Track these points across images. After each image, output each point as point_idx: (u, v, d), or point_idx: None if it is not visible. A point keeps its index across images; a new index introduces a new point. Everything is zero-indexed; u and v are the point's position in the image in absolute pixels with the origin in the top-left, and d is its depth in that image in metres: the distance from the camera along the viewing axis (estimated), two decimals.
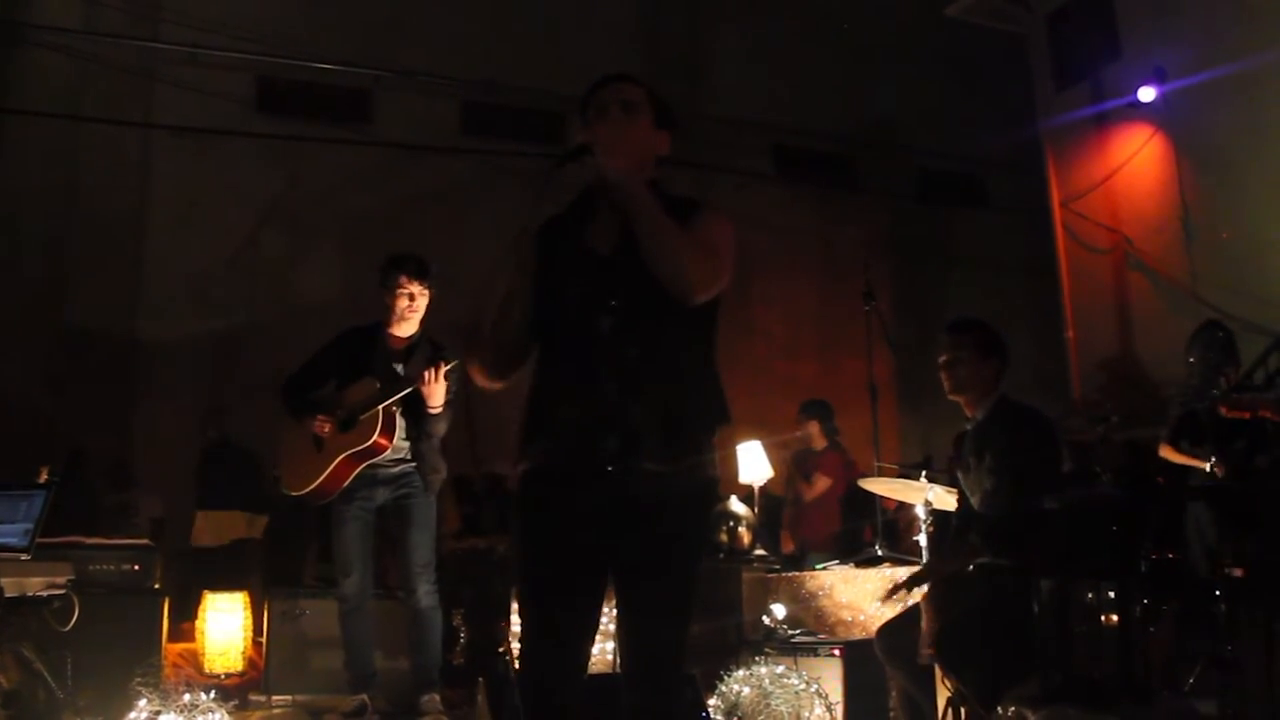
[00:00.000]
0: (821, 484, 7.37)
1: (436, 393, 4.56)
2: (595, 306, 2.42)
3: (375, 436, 4.61)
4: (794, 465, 7.60)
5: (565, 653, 2.41)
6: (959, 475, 4.14)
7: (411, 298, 4.78)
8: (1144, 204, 10.82)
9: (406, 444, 4.78)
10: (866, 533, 7.22)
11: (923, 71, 13.03)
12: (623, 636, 2.49)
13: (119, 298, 10.20)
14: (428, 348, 4.86)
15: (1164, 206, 10.52)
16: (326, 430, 4.70)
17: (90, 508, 7.78)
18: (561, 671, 2.40)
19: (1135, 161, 10.84)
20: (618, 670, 2.53)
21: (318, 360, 4.94)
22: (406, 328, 4.87)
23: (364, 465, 4.70)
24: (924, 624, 3.82)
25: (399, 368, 4.81)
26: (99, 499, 8.30)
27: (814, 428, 7.47)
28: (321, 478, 4.69)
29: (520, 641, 2.48)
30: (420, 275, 4.79)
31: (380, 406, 4.61)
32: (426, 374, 4.50)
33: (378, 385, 4.68)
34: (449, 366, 4.51)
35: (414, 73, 11.32)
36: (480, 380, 2.52)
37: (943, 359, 4.03)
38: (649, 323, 2.40)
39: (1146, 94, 10.39)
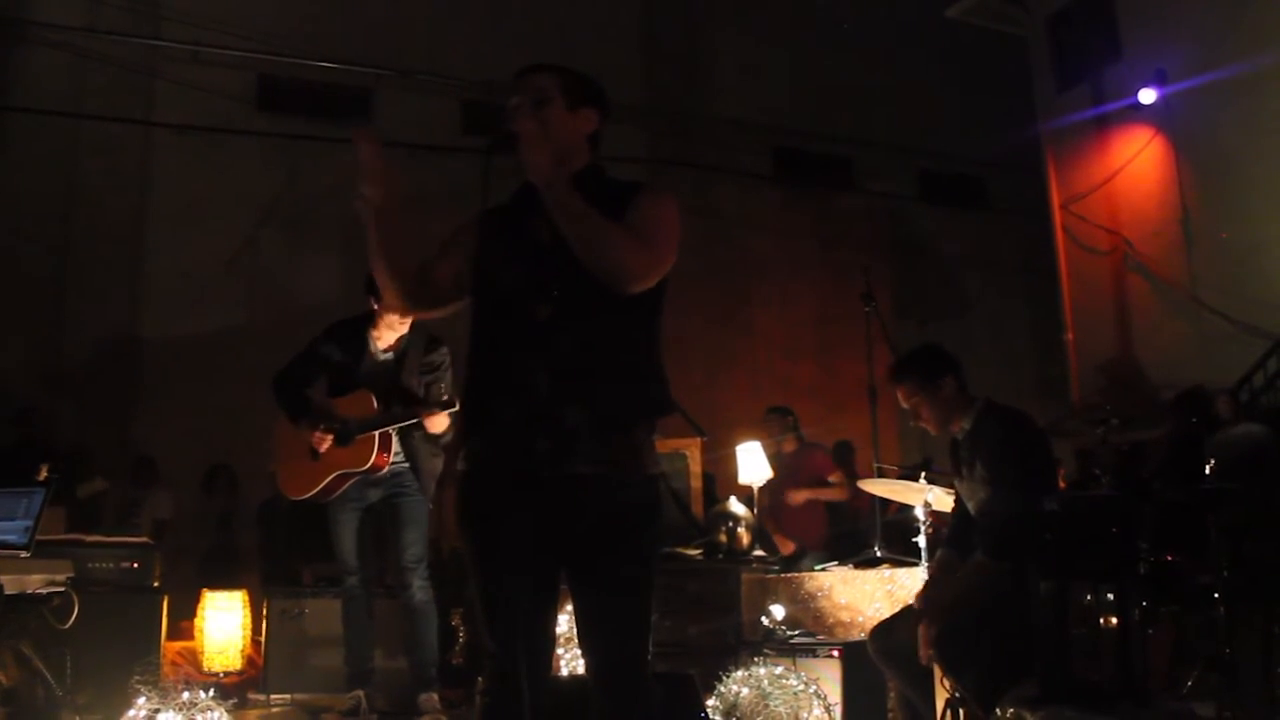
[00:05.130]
0: (840, 479, 7.33)
1: (439, 423, 4.57)
2: (532, 294, 2.37)
3: (373, 458, 4.64)
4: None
5: (523, 658, 2.35)
6: (955, 484, 4.14)
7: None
8: (1144, 206, 10.84)
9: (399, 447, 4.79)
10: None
11: (923, 73, 13.04)
12: (583, 644, 2.43)
13: (119, 296, 10.20)
14: (421, 342, 4.86)
15: (1164, 209, 10.54)
16: (325, 448, 4.71)
17: (96, 507, 7.78)
18: (521, 677, 2.35)
19: (1135, 164, 10.86)
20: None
21: (307, 357, 4.92)
22: (395, 328, 4.86)
23: (358, 477, 4.73)
24: (922, 627, 3.82)
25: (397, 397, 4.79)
26: (107, 493, 8.30)
27: (790, 423, 7.42)
28: (316, 489, 4.74)
29: (485, 646, 2.44)
30: None
31: (378, 431, 4.63)
32: (429, 419, 4.54)
33: (375, 401, 4.68)
34: (455, 410, 4.50)
35: (415, 72, 11.33)
36: (392, 301, 2.64)
37: (906, 408, 4.01)
38: (586, 312, 2.34)
39: (1147, 96, 10.41)
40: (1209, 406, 7.30)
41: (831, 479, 7.34)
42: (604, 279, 2.31)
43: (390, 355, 4.85)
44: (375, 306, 4.80)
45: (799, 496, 7.19)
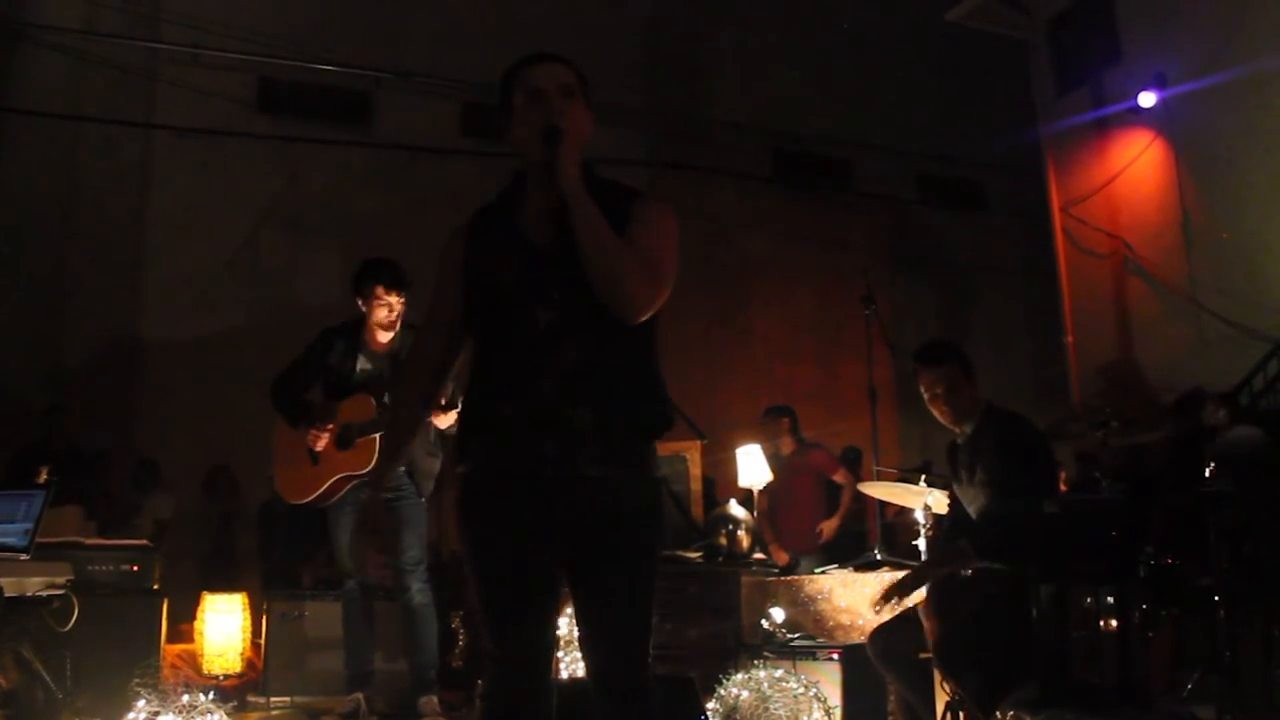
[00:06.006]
0: (846, 477, 7.29)
1: (446, 420, 4.53)
2: (533, 299, 2.33)
3: (374, 461, 4.62)
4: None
5: (523, 660, 2.37)
6: (954, 488, 4.14)
7: (390, 308, 4.75)
8: (1144, 209, 10.84)
9: None
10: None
11: (923, 76, 13.05)
12: (584, 646, 2.42)
13: (119, 298, 10.20)
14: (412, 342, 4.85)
15: (1163, 212, 10.54)
16: (321, 446, 4.71)
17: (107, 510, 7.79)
18: (521, 679, 2.36)
19: (1135, 166, 10.87)
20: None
21: (303, 362, 4.92)
22: (382, 332, 4.86)
23: (359, 480, 4.73)
24: (926, 628, 3.83)
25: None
26: (114, 498, 8.30)
27: (785, 426, 7.39)
28: (317, 493, 4.74)
29: (484, 649, 2.41)
30: (396, 285, 4.74)
31: (379, 434, 4.62)
32: (436, 417, 4.48)
33: (374, 404, 4.68)
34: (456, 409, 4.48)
35: (414, 74, 11.33)
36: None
37: (935, 391, 3.99)
38: (589, 318, 2.31)
39: (1146, 99, 10.41)
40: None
41: (837, 478, 7.30)
42: (608, 303, 2.28)
43: (384, 357, 4.85)
44: (363, 309, 4.80)
45: (830, 529, 7.13)
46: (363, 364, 4.84)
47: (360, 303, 4.80)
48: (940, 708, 3.80)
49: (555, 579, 2.40)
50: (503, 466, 2.35)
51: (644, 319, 2.32)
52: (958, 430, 4.02)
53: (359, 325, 4.87)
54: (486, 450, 2.38)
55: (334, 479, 4.69)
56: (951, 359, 4.00)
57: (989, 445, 3.87)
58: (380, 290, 4.73)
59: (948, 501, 4.27)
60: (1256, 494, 4.60)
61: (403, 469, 4.76)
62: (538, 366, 2.31)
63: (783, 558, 6.92)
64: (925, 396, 4.03)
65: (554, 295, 2.33)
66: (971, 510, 3.98)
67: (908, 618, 4.00)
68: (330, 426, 4.72)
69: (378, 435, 4.61)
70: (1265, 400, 9.00)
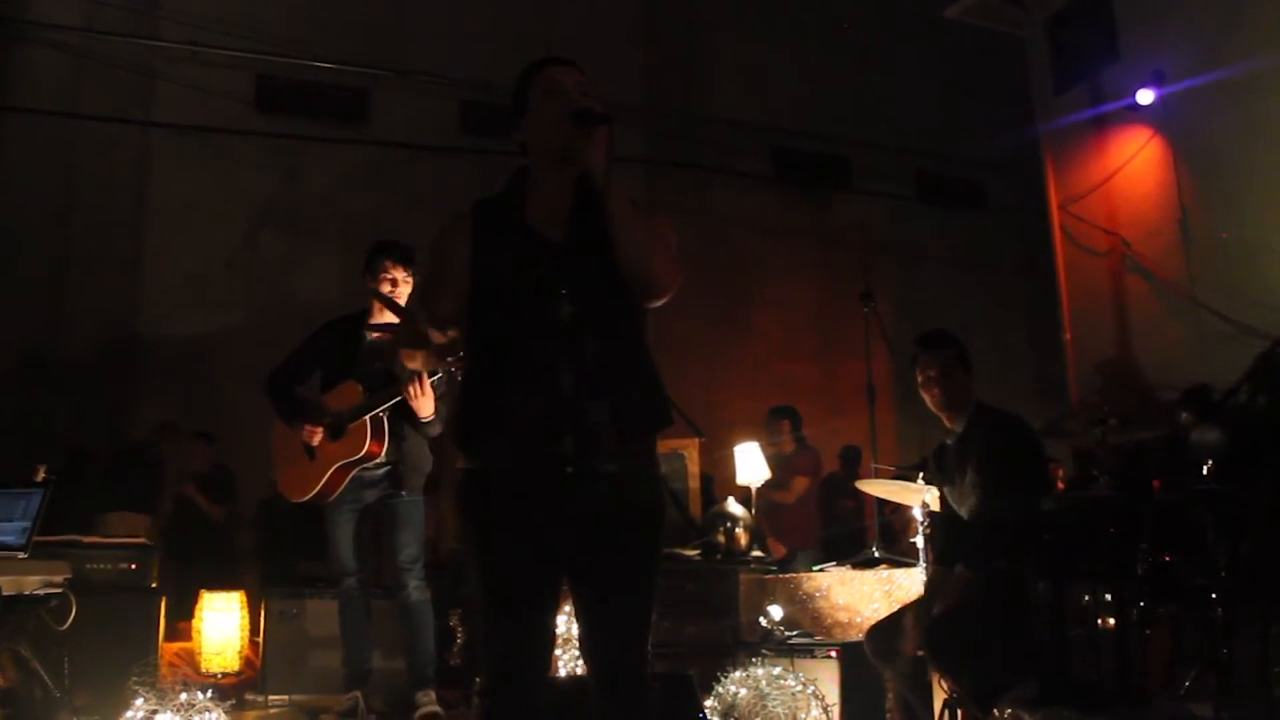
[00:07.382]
0: (800, 484, 7.38)
1: (424, 404, 4.54)
2: (551, 294, 2.34)
3: (367, 446, 4.63)
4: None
5: (523, 658, 2.37)
6: (945, 490, 4.13)
7: (394, 283, 4.75)
8: (1142, 206, 10.82)
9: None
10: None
11: (921, 73, 13.04)
12: (586, 644, 2.43)
13: (118, 296, 10.20)
14: None
15: (1162, 209, 10.52)
16: (316, 440, 4.72)
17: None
18: (520, 677, 2.36)
19: (1133, 164, 10.84)
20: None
21: (301, 354, 4.93)
22: (389, 317, 4.86)
23: (357, 469, 4.73)
24: (909, 621, 3.84)
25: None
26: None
27: (785, 427, 7.47)
28: (317, 488, 4.73)
29: (483, 647, 2.42)
30: (405, 261, 4.76)
31: (368, 416, 4.62)
32: (412, 389, 4.49)
33: (361, 390, 4.68)
34: (434, 378, 4.49)
35: (413, 72, 11.33)
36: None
37: (929, 374, 4.00)
38: (604, 314, 2.34)
39: (1145, 96, 10.38)
40: (1211, 405, 7.28)
41: (793, 481, 7.39)
42: (642, 285, 2.32)
43: (384, 344, 4.85)
44: (372, 288, 4.80)
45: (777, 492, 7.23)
46: (364, 350, 4.84)
47: (369, 281, 4.80)
48: (938, 706, 3.81)
49: (558, 576, 2.40)
50: (516, 463, 2.34)
51: (662, 302, 2.36)
52: (945, 419, 4.03)
53: (362, 315, 4.89)
54: (499, 446, 2.36)
55: (332, 469, 4.69)
56: (952, 347, 4.05)
57: (979, 446, 3.88)
58: (388, 263, 4.75)
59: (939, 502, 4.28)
60: (1253, 492, 4.60)
61: (391, 465, 4.75)
62: (556, 359, 2.32)
63: (780, 550, 6.98)
64: (919, 380, 4.05)
65: (573, 289, 2.35)
66: (963, 512, 3.97)
67: (904, 614, 4.00)
68: (323, 421, 4.73)
69: (367, 418, 4.62)
70: (1264, 398, 8.98)
